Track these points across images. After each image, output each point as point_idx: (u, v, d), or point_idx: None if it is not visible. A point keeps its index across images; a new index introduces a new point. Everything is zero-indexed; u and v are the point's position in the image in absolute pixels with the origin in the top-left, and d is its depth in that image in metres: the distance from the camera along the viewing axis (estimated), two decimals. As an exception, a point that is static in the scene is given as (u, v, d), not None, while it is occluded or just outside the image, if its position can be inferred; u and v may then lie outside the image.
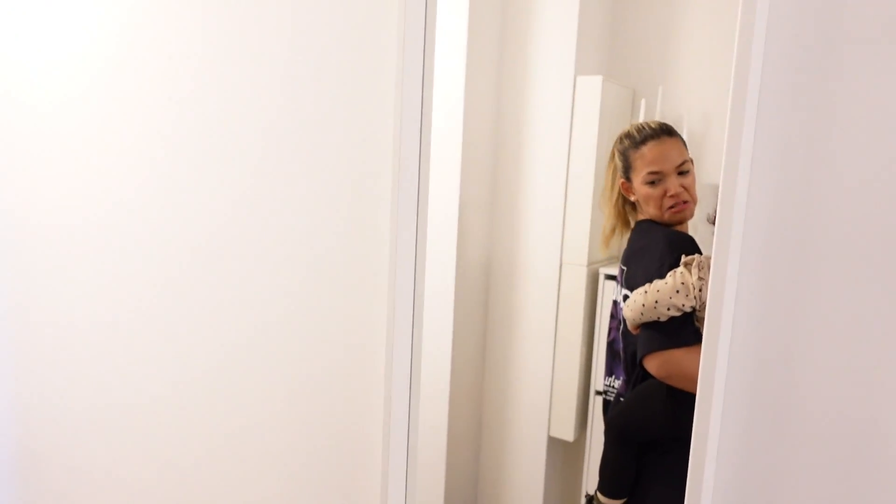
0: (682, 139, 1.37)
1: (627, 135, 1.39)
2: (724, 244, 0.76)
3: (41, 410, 1.40)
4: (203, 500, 1.22)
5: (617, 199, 1.45)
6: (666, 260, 1.25)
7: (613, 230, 1.49)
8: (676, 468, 1.07)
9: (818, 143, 0.73)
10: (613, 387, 1.63)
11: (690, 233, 1.38)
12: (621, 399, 1.48)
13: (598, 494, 1.43)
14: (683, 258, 1.21)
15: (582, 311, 2.06)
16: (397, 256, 0.92)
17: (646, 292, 1.22)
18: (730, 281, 0.77)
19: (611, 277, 2.03)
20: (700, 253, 1.25)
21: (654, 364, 1.22)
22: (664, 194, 1.32)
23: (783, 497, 0.79)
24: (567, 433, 2.14)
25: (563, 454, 2.32)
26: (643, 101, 2.08)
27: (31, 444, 1.43)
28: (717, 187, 0.79)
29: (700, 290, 1.17)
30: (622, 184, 1.41)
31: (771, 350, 0.78)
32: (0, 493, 1.44)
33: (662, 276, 1.22)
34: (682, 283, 1.18)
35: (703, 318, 1.23)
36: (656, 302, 1.20)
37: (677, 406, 1.24)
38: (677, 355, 1.20)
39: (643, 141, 1.35)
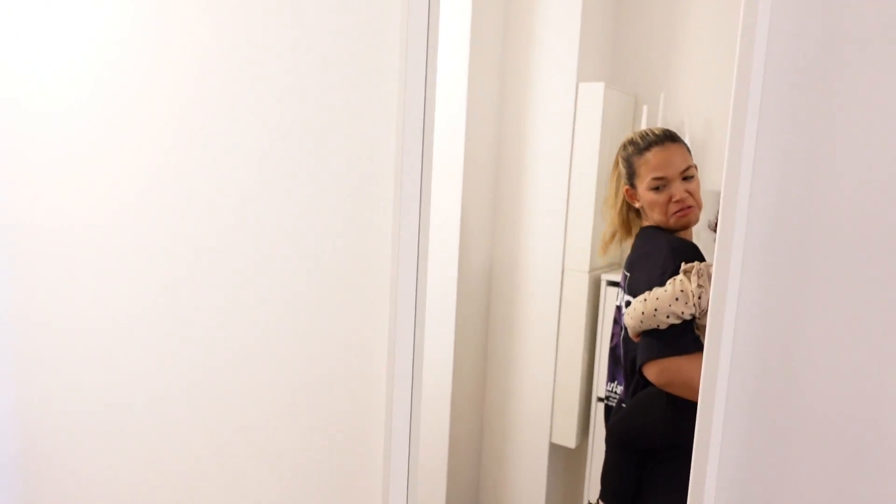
0: (685, 145, 1.37)
1: (631, 141, 1.40)
2: (726, 250, 0.76)
3: (43, 412, 1.40)
4: (203, 502, 1.21)
5: (621, 207, 1.45)
6: (668, 267, 1.25)
7: (613, 237, 1.49)
8: (678, 475, 1.06)
9: (820, 151, 0.73)
10: (615, 392, 1.63)
11: (693, 239, 1.38)
12: (623, 405, 1.48)
13: (600, 503, 1.42)
14: (683, 265, 1.21)
15: (584, 317, 2.06)
16: (399, 260, 0.93)
17: (645, 300, 1.22)
18: (732, 286, 0.77)
19: (613, 284, 2.03)
20: (703, 260, 1.25)
21: (653, 371, 1.22)
22: (669, 200, 1.32)
23: (785, 504, 0.78)
24: (569, 440, 2.13)
25: (564, 461, 2.31)
26: (645, 108, 2.08)
27: (32, 446, 1.43)
28: (719, 194, 0.79)
29: (699, 298, 1.17)
30: (626, 190, 1.41)
31: (773, 356, 0.77)
32: (1, 494, 1.44)
33: (663, 284, 1.22)
34: (682, 291, 1.18)
35: (702, 326, 1.23)
36: (655, 310, 1.20)
37: (677, 413, 1.23)
38: (676, 363, 1.19)
39: (647, 147, 1.35)
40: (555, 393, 2.13)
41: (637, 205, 1.40)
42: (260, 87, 1.04)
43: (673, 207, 1.32)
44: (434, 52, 0.92)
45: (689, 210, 1.32)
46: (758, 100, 0.74)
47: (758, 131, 0.75)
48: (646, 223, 1.40)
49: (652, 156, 1.34)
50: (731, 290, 0.77)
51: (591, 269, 2.05)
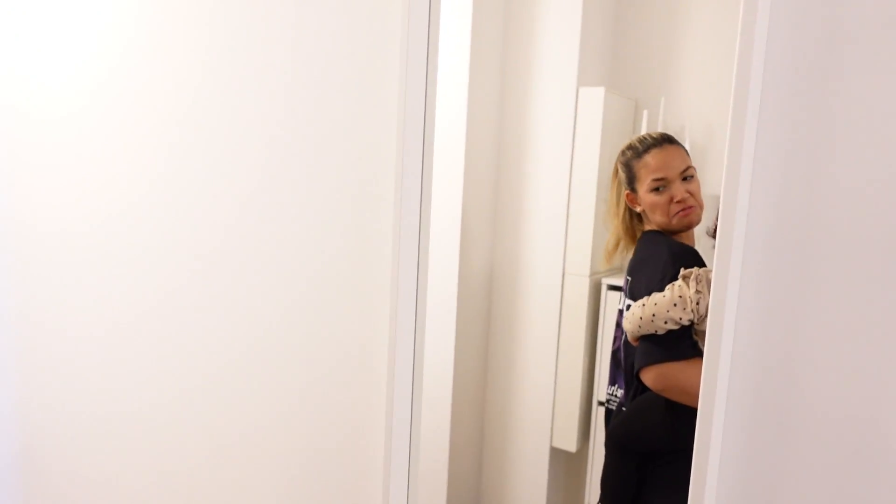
0: (683, 148, 1.37)
1: (629, 146, 1.40)
2: (726, 254, 0.76)
3: (43, 414, 1.40)
4: (204, 502, 1.21)
5: (624, 214, 1.44)
6: (668, 272, 1.25)
7: (618, 245, 1.48)
8: (677, 479, 1.06)
9: (819, 152, 0.73)
10: (616, 395, 1.63)
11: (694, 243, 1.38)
12: (623, 409, 1.48)
13: (600, 506, 1.42)
14: (682, 271, 1.21)
15: (584, 321, 2.06)
16: (400, 263, 0.93)
17: (643, 305, 1.22)
18: (732, 287, 0.77)
19: (613, 288, 2.03)
20: (704, 266, 1.24)
21: (651, 377, 1.22)
22: (670, 200, 1.32)
23: (785, 507, 0.78)
24: (569, 444, 2.13)
25: (565, 465, 2.31)
26: (645, 112, 2.09)
27: (32, 447, 1.43)
28: (718, 198, 0.79)
29: (697, 304, 1.17)
30: (627, 195, 1.41)
31: (772, 360, 0.77)
32: (1, 494, 1.44)
33: (663, 289, 1.22)
34: (680, 297, 1.18)
35: (701, 332, 1.23)
36: (653, 315, 1.20)
37: (676, 418, 1.23)
38: (673, 368, 1.19)
39: (646, 150, 1.35)
40: (555, 397, 2.13)
41: (639, 209, 1.40)
42: (260, 89, 1.04)
43: (674, 208, 1.32)
44: (435, 55, 0.92)
45: (690, 210, 1.32)
46: (757, 100, 0.75)
47: (757, 135, 0.75)
48: (648, 227, 1.40)
49: (651, 158, 1.34)
50: (732, 291, 0.77)
51: (592, 273, 2.06)
